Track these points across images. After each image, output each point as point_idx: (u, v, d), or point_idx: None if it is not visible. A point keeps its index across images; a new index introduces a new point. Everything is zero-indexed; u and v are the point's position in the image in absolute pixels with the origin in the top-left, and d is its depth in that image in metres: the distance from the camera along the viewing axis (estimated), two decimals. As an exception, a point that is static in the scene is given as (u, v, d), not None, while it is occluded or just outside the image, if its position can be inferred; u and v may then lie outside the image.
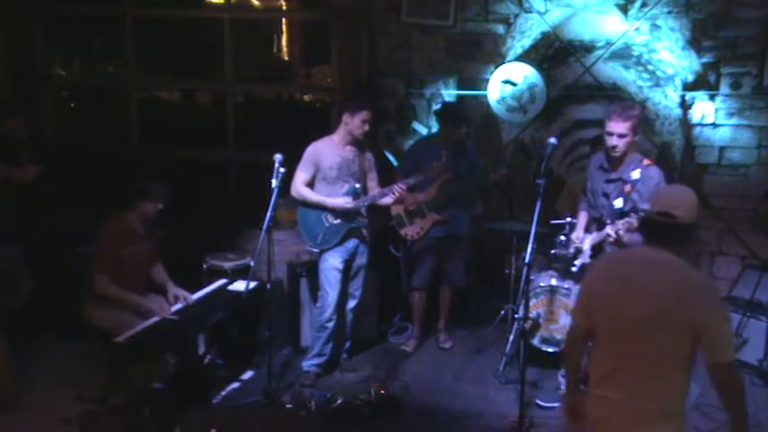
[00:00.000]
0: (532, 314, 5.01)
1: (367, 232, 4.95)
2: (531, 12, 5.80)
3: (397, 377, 5.01)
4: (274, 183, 4.29)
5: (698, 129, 5.64)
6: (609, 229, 3.98)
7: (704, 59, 5.51)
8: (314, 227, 4.80)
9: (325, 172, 4.76)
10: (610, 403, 2.68)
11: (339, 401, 4.44)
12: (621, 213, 4.03)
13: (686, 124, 5.64)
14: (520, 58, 5.86)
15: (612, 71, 5.71)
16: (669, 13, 5.51)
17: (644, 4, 5.53)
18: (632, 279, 2.68)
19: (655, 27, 5.56)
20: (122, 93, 7.27)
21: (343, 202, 4.73)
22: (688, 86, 5.58)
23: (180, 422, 3.80)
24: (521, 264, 4.44)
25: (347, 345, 5.18)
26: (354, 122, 4.71)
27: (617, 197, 4.15)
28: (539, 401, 4.62)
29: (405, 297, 5.70)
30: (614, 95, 5.63)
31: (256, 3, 9.25)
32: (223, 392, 4.77)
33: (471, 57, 6.00)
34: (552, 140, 4.06)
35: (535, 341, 5.12)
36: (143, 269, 4.66)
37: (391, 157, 6.11)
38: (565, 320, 4.93)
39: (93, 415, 4.21)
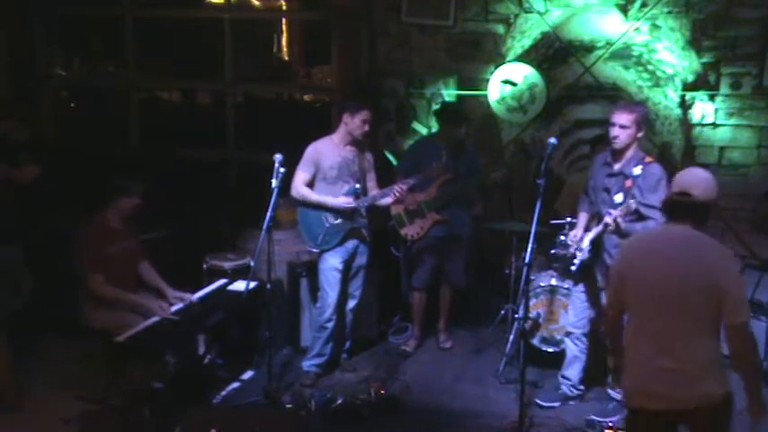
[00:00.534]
0: (532, 314, 5.02)
1: (367, 232, 4.95)
2: (531, 12, 5.80)
3: (397, 377, 5.02)
4: (274, 183, 4.29)
5: (698, 129, 5.64)
6: (607, 218, 4.01)
7: (704, 59, 5.51)
8: (314, 227, 4.80)
9: (325, 172, 4.76)
10: (651, 371, 2.95)
11: (339, 401, 4.45)
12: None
13: (686, 124, 5.65)
14: (520, 58, 5.86)
15: (612, 71, 5.71)
16: (669, 13, 5.51)
17: (644, 4, 5.53)
18: (661, 254, 3.00)
19: (655, 27, 5.56)
20: (122, 93, 7.27)
21: (344, 202, 4.73)
22: (688, 86, 5.58)
23: (180, 422, 3.81)
24: (521, 264, 4.45)
25: (347, 345, 5.18)
26: (354, 122, 4.71)
27: (617, 192, 4.18)
28: (538, 401, 4.62)
29: (405, 297, 5.70)
30: (614, 95, 5.63)
31: (256, 3, 9.24)
32: (223, 392, 4.78)
33: (471, 57, 6.00)
34: (552, 140, 4.08)
35: (535, 341, 5.12)
36: (130, 267, 4.62)
37: (391, 157, 6.11)
38: (565, 320, 4.93)
39: (93, 415, 4.21)
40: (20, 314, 5.01)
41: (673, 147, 5.70)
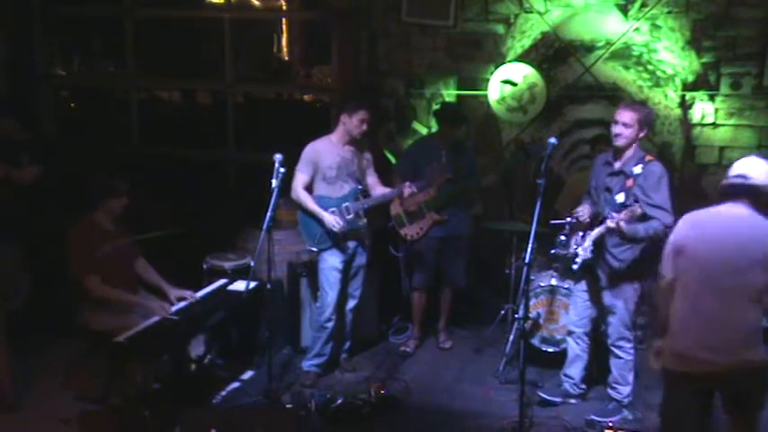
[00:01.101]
0: (532, 314, 5.02)
1: (367, 233, 4.95)
2: (531, 12, 5.79)
3: (397, 377, 5.02)
4: (274, 183, 4.28)
5: (698, 129, 5.63)
6: (610, 222, 4.01)
7: (704, 59, 5.51)
8: (313, 226, 4.79)
9: (324, 172, 4.76)
10: (702, 337, 3.20)
11: (339, 401, 4.44)
12: (623, 207, 4.06)
13: (686, 124, 5.65)
14: (520, 58, 5.86)
15: (612, 71, 5.71)
16: (669, 13, 5.51)
17: (644, 4, 5.53)
18: (716, 229, 3.27)
19: (655, 27, 5.56)
20: (122, 93, 7.27)
21: (332, 222, 4.67)
22: (688, 86, 5.58)
23: (180, 422, 3.80)
24: (521, 264, 4.44)
25: (347, 345, 5.18)
26: (352, 123, 4.71)
27: (619, 191, 4.18)
28: (541, 394, 4.61)
29: (405, 297, 5.70)
30: (614, 95, 5.64)
31: (256, 3, 9.26)
32: (223, 392, 4.77)
33: (471, 57, 6.00)
34: (552, 140, 4.07)
35: (535, 341, 5.12)
36: (125, 266, 4.59)
37: (391, 157, 6.11)
38: (565, 320, 4.93)
39: (93, 415, 4.21)
40: (20, 314, 5.01)
41: (673, 147, 5.69)
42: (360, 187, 4.84)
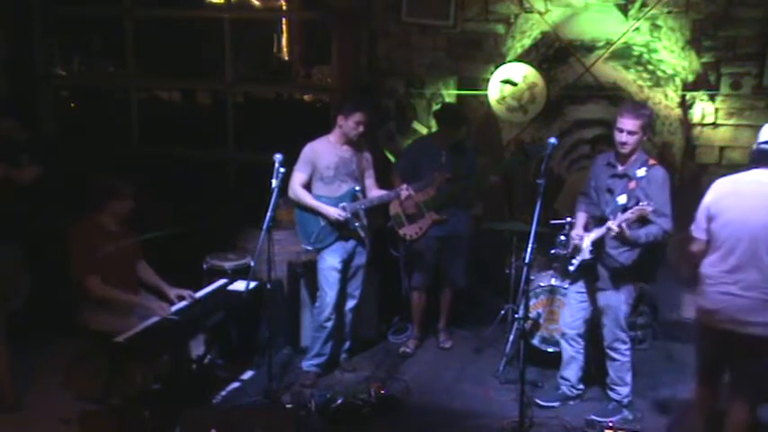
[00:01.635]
0: (532, 314, 5.02)
1: (365, 232, 4.94)
2: (531, 11, 5.79)
3: (397, 377, 5.02)
4: (274, 183, 4.28)
5: (698, 129, 5.63)
6: (611, 224, 4.01)
7: (704, 59, 5.51)
8: (309, 226, 4.80)
9: (322, 171, 4.77)
10: (728, 296, 3.50)
11: (339, 401, 4.45)
12: (625, 209, 4.06)
13: (686, 124, 5.64)
14: (520, 58, 5.86)
15: (613, 71, 5.70)
16: (669, 13, 5.51)
17: (644, 4, 5.53)
18: (745, 195, 3.51)
19: (655, 27, 5.56)
20: (122, 93, 7.26)
21: (335, 213, 4.71)
22: (688, 86, 5.58)
23: (180, 422, 3.80)
24: (521, 264, 4.44)
25: (347, 345, 5.18)
26: (348, 125, 4.72)
27: (621, 193, 4.18)
28: (538, 401, 4.62)
29: (405, 297, 5.69)
30: (614, 95, 5.64)
31: (256, 3, 9.25)
32: (223, 392, 4.78)
33: (471, 57, 6.00)
34: (552, 140, 4.07)
35: (535, 341, 5.13)
36: (128, 267, 4.59)
37: (391, 157, 6.11)
38: (563, 320, 4.92)
39: (93, 415, 4.21)
40: (20, 314, 5.01)
41: (673, 147, 5.69)
42: (358, 187, 4.84)
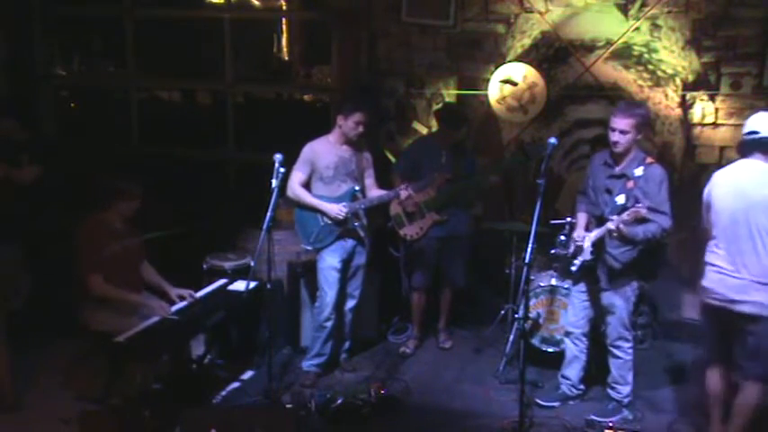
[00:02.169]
0: (532, 314, 5.02)
1: (365, 232, 4.94)
2: (531, 11, 5.79)
3: (397, 377, 5.02)
4: (274, 183, 4.28)
5: (698, 129, 5.63)
6: (610, 224, 4.02)
7: (704, 59, 5.51)
8: (309, 225, 4.80)
9: (321, 171, 4.77)
10: (721, 275, 3.77)
11: (339, 401, 4.45)
12: (624, 209, 4.06)
13: (686, 124, 5.64)
14: (520, 58, 5.86)
15: (613, 71, 5.71)
16: (669, 12, 5.51)
17: (644, 4, 5.53)
18: (736, 184, 3.76)
19: (655, 27, 5.56)
20: (122, 93, 7.26)
21: (336, 210, 4.72)
22: (688, 86, 5.58)
23: (180, 422, 3.80)
24: (521, 264, 4.44)
25: (347, 345, 5.18)
26: (348, 125, 4.72)
27: (619, 193, 4.18)
28: (538, 401, 4.62)
29: (405, 297, 5.70)
30: (614, 95, 5.63)
31: (256, 3, 9.24)
32: (223, 392, 4.78)
33: (471, 57, 6.00)
34: (552, 140, 4.07)
35: (535, 341, 5.12)
36: (132, 266, 4.59)
37: (391, 157, 6.10)
38: (564, 320, 4.92)
39: (93, 415, 4.21)
40: (20, 314, 5.01)
41: (673, 147, 5.69)
42: (357, 187, 4.84)
